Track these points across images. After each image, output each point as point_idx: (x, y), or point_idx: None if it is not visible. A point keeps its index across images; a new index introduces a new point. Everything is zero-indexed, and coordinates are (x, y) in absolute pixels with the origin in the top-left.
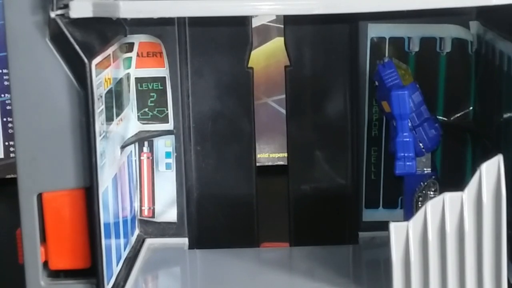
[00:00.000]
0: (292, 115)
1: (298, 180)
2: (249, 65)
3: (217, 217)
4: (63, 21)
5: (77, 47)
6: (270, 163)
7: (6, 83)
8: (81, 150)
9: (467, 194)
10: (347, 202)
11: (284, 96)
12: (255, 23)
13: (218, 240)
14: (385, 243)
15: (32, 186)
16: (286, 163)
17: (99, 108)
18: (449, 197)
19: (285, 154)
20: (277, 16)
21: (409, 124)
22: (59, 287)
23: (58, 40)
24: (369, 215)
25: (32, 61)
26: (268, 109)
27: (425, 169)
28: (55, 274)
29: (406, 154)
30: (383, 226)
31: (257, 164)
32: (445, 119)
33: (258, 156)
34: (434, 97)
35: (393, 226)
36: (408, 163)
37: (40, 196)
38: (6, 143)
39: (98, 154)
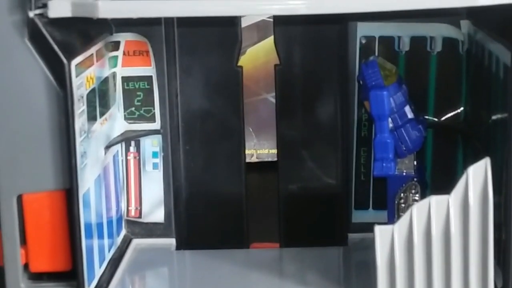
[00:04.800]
0: (282, 114)
1: (287, 181)
2: (249, 61)
3: (206, 217)
4: (42, 20)
5: (56, 47)
6: (270, 159)
7: None
8: (61, 151)
9: (454, 197)
10: (337, 203)
11: None
12: (255, 19)
13: (207, 240)
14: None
15: (12, 188)
16: None
17: (80, 109)
18: (435, 200)
19: None
20: None
21: (391, 125)
22: None
23: (37, 40)
24: (359, 216)
25: (11, 61)
26: (267, 105)
27: (407, 170)
28: (36, 277)
29: (384, 155)
30: (373, 227)
31: (257, 160)
32: (436, 119)
33: (258, 152)
34: (424, 97)
35: (378, 229)
36: (386, 164)
37: (20, 198)
38: None
39: (78, 155)
